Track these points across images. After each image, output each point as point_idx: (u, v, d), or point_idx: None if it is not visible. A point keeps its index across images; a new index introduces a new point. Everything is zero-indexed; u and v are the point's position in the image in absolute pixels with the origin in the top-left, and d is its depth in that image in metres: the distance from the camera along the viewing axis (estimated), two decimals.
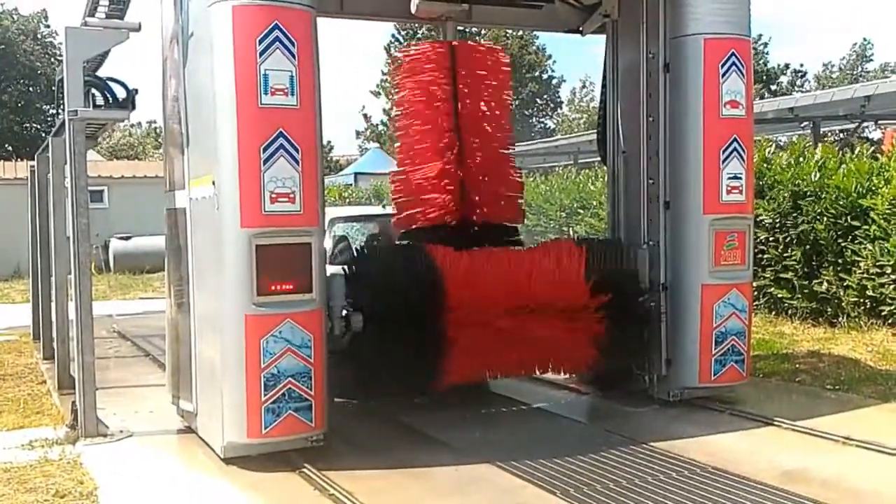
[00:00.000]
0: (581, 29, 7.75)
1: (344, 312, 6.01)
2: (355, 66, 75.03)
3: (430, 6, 7.09)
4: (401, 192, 7.32)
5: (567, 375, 7.38)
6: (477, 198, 7.08)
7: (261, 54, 5.23)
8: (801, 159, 10.86)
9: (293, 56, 5.31)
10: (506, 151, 7.36)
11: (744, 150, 6.53)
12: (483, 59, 7.25)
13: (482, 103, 7.17)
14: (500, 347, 6.53)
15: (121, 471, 5.56)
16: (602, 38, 7.57)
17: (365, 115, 48.64)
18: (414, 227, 7.15)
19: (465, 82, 7.06)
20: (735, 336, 6.59)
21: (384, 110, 47.40)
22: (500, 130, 7.28)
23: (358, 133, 49.03)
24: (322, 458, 5.46)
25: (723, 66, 6.43)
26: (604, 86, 7.55)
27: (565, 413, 6.98)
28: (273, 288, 5.31)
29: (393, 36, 46.23)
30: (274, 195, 5.27)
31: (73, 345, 6.45)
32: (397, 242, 7.41)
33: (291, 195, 5.31)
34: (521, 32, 42.25)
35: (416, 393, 6.86)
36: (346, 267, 6.32)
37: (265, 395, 5.28)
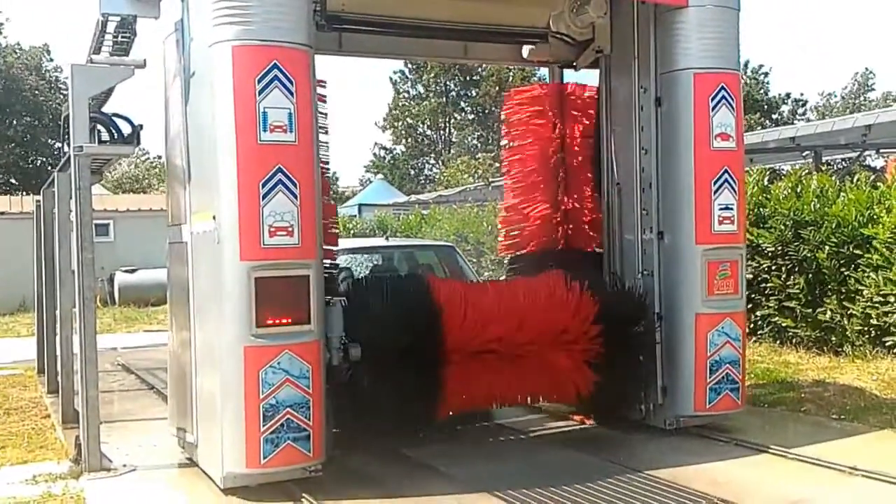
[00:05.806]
0: (575, 64, 7.90)
1: (342, 343, 6.08)
2: (359, 97, 75.60)
3: (540, 51, 7.86)
4: (509, 222, 8.09)
5: (565, 405, 7.43)
6: (571, 227, 7.76)
7: (260, 93, 5.37)
8: (798, 188, 10.93)
9: (291, 94, 5.45)
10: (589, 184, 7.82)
11: (735, 182, 6.64)
12: (578, 98, 7.86)
13: (577, 139, 7.77)
14: (499, 377, 6.58)
15: None
16: (595, 72, 7.72)
17: (375, 154, 49.63)
18: (521, 253, 7.97)
19: (566, 120, 7.70)
20: (729, 364, 6.64)
21: (377, 144, 48.02)
22: (588, 163, 7.77)
23: (367, 168, 49.91)
24: (321, 488, 5.51)
25: (713, 99, 6.56)
26: (597, 118, 7.68)
27: (564, 442, 6.99)
28: (272, 320, 5.40)
29: (401, 72, 46.91)
30: (273, 229, 5.38)
31: (78, 378, 6.47)
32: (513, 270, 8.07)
33: (290, 229, 5.42)
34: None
35: (415, 423, 6.91)
36: (343, 298, 6.40)
37: (264, 425, 5.34)
